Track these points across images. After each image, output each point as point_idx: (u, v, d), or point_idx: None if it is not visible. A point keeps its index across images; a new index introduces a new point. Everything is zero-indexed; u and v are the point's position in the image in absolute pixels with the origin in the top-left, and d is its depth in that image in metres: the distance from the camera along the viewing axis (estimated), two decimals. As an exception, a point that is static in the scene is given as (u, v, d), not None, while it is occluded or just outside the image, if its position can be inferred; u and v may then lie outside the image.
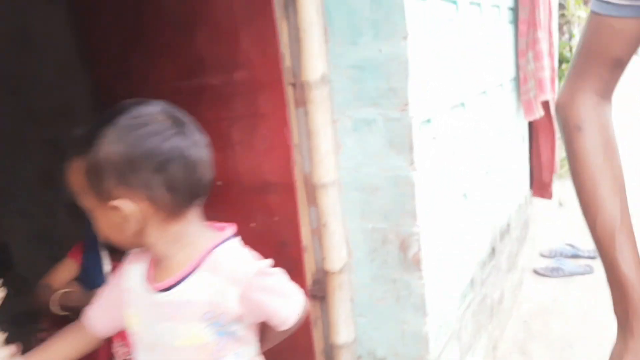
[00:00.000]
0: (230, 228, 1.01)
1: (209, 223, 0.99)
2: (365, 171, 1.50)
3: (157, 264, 0.93)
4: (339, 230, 1.55)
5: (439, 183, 1.60)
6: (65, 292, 1.65)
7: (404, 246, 1.50)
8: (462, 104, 1.78)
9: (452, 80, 1.68)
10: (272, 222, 1.64)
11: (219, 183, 1.75)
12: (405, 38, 1.35)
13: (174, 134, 0.84)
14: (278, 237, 1.64)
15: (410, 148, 1.41)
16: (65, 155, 0.91)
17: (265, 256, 1.76)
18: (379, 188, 1.49)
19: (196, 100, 1.68)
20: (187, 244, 0.90)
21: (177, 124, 0.87)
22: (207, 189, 0.91)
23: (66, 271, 1.77)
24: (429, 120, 1.51)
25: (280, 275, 0.98)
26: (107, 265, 1.76)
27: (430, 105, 1.52)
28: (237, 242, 0.99)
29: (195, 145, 0.88)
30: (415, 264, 1.49)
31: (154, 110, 0.87)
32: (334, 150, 1.52)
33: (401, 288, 1.53)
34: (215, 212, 1.87)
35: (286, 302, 0.94)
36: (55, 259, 1.77)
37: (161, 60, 1.72)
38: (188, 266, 0.88)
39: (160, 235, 0.87)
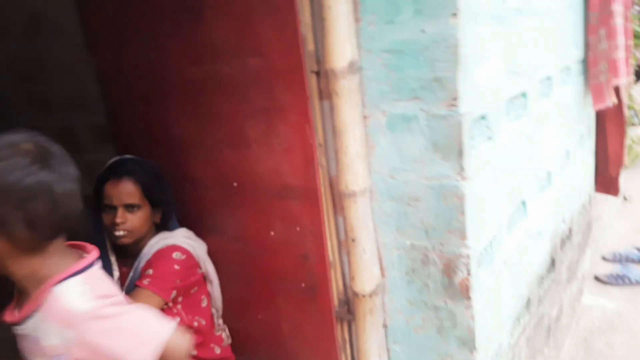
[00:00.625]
0: (91, 255, 0.97)
1: (77, 248, 0.98)
2: (402, 178, 1.24)
3: (19, 294, 0.93)
4: (371, 246, 1.31)
5: (493, 192, 1.32)
6: None
7: (449, 269, 1.24)
8: (523, 94, 1.48)
9: (510, 66, 1.38)
10: (293, 231, 1.42)
11: (234, 184, 1.54)
12: (455, 15, 1.07)
13: (39, 168, 0.81)
14: (299, 249, 1.42)
15: (460, 152, 1.14)
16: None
17: (285, 270, 1.56)
18: (419, 199, 1.23)
19: (208, 89, 1.47)
20: (42, 278, 0.89)
21: (44, 156, 0.84)
22: (74, 223, 0.90)
23: None
24: (483, 117, 1.23)
25: (128, 315, 0.94)
26: (115, 270, 1.61)
27: (485, 97, 1.23)
28: (80, 279, 0.91)
29: (63, 179, 0.85)
30: (462, 292, 1.23)
31: (18, 141, 0.83)
32: (364, 152, 1.27)
33: (444, 317, 1.28)
34: (230, 215, 1.68)
35: (135, 345, 0.90)
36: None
37: (169, 45, 1.51)
38: (33, 303, 0.88)
39: (18, 268, 0.87)
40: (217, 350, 1.64)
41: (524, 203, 1.54)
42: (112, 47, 1.69)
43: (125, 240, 1.49)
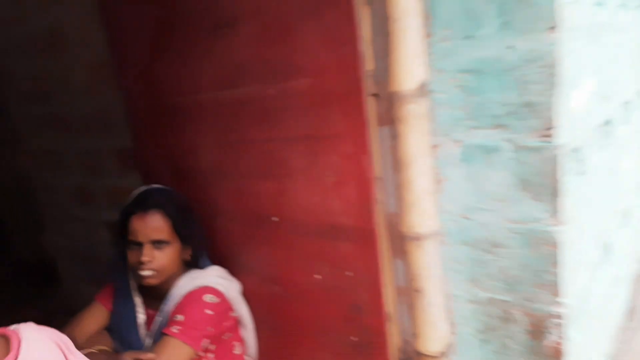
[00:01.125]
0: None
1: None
2: (479, 219, 1.05)
3: None
4: (439, 298, 1.11)
5: (583, 236, 1.12)
6: (91, 352, 1.33)
7: (536, 330, 1.03)
8: (609, 122, 1.29)
9: (600, 90, 1.19)
10: (344, 277, 1.23)
11: (273, 219, 1.36)
12: (553, 29, 0.90)
13: None
14: (351, 298, 1.23)
15: (554, 192, 0.95)
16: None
17: (332, 320, 1.36)
18: (500, 245, 1.04)
19: (240, 115, 1.31)
20: None
21: None
22: None
23: (94, 317, 1.46)
24: (575, 149, 1.04)
25: None
26: (140, 314, 1.43)
27: (577, 126, 1.05)
28: None
29: None
30: (553, 357, 1.03)
31: None
32: (432, 187, 1.08)
33: (528, 386, 1.07)
34: (266, 254, 1.49)
35: None
36: (97, 281, 1.45)
37: (199, 66, 1.36)
38: None
39: None
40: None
41: (607, 245, 1.34)
42: (138, 67, 1.55)
43: (152, 281, 1.32)
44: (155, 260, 1.31)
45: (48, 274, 2.84)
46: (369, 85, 1.10)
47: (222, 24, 1.27)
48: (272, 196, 1.33)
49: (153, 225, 1.31)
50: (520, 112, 0.95)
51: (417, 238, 1.08)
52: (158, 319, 1.37)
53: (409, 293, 1.12)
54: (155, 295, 1.40)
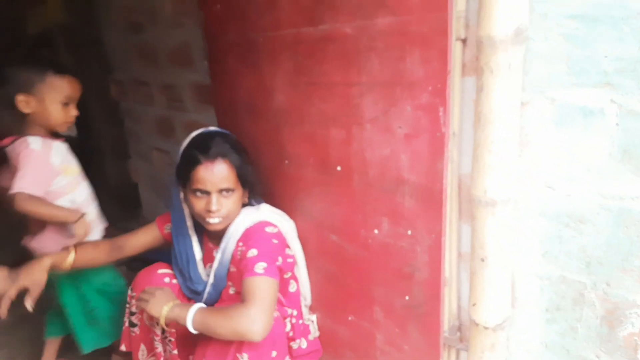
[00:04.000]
0: None
1: None
2: (565, 190, 0.94)
3: None
4: (505, 270, 1.03)
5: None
6: None
7: (612, 317, 0.93)
8: None
9: None
10: (404, 235, 1.18)
11: (337, 168, 1.32)
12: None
13: None
14: (408, 258, 1.18)
15: (664, 167, 0.81)
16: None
17: (387, 277, 1.32)
18: (586, 221, 0.92)
19: (321, 54, 1.24)
20: None
21: None
22: None
23: (147, 235, 1.52)
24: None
25: None
26: (197, 252, 1.46)
27: None
28: None
29: None
30: (629, 349, 0.92)
31: None
32: (515, 149, 0.97)
33: (594, 376, 0.98)
34: (327, 203, 1.45)
35: None
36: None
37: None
38: None
39: None
40: (304, 344, 1.48)
41: None
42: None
43: (219, 227, 1.35)
44: (223, 208, 1.32)
45: (131, 198, 3.05)
46: (457, 28, 0.99)
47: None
48: (339, 144, 1.28)
49: (221, 175, 1.30)
50: (637, 71, 0.81)
51: (491, 204, 0.99)
52: (218, 255, 1.40)
53: (473, 260, 1.05)
54: (212, 233, 1.43)
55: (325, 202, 1.39)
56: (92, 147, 3.30)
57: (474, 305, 1.07)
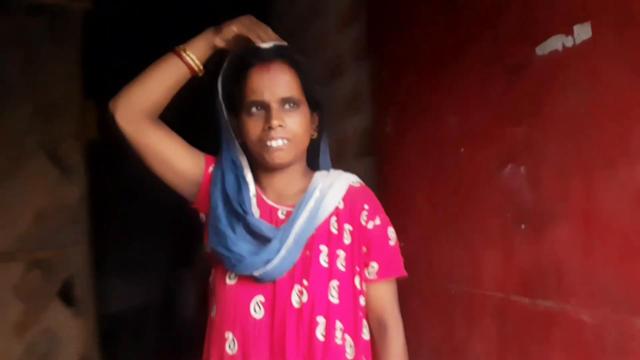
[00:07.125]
0: None
1: None
2: None
3: None
4: None
5: None
6: None
7: None
8: None
9: None
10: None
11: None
12: None
13: None
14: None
15: None
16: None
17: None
18: None
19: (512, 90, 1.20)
20: None
21: None
22: None
23: (189, 161, 1.05)
24: None
25: None
26: (252, 196, 1.03)
27: None
28: None
29: None
30: None
31: None
32: None
33: None
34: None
35: None
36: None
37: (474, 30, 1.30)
38: None
39: None
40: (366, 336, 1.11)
41: None
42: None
43: (283, 156, 0.99)
44: (288, 126, 0.98)
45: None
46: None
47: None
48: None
49: (281, 79, 0.98)
50: None
51: None
52: (304, 206, 1.00)
53: None
54: (271, 185, 1.06)
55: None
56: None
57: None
